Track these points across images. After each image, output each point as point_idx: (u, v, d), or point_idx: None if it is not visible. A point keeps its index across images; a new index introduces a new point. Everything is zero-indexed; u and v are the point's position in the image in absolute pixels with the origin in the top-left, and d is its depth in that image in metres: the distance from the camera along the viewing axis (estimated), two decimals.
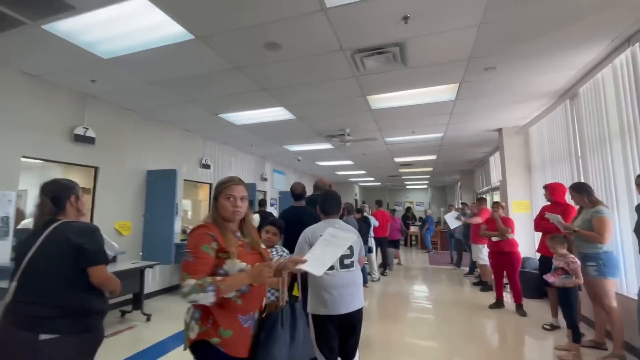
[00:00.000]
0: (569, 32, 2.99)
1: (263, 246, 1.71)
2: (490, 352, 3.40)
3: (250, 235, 1.66)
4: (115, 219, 4.89)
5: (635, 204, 3.07)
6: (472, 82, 4.04)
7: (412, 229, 12.89)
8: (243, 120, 5.58)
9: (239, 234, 1.64)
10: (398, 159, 9.67)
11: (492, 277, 5.05)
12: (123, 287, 1.92)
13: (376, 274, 6.65)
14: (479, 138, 7.00)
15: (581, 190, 3.32)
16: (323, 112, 5.18)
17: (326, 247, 1.68)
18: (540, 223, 3.98)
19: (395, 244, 8.54)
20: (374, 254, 6.55)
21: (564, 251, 3.19)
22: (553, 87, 4.25)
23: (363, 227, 5.37)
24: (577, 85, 4.05)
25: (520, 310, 4.50)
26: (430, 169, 11.77)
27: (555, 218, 3.45)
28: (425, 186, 19.53)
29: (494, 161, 8.68)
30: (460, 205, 8.31)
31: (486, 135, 6.72)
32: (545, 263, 3.83)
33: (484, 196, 9.77)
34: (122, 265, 4.28)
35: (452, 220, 7.84)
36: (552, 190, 3.98)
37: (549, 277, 3.20)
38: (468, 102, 4.76)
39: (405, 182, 17.62)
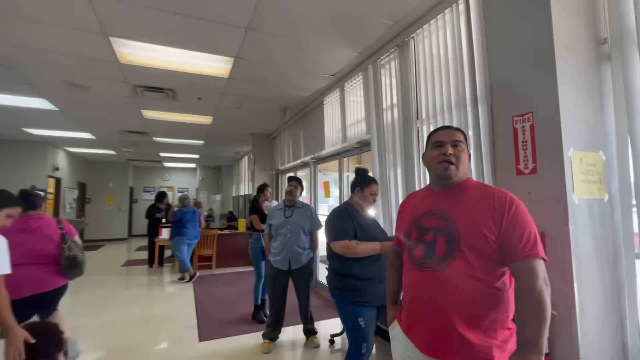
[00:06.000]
0: None
1: None
2: None
3: None
4: None
5: None
6: None
7: (164, 233, 6.86)
8: None
9: None
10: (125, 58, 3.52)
11: None
12: None
13: None
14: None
15: None
16: None
17: None
18: None
19: (42, 303, 2.52)
20: None
21: None
22: None
23: None
24: None
25: None
26: (209, 120, 6.21)
27: None
28: (194, 165, 13.67)
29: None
30: (288, 186, 3.28)
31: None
32: None
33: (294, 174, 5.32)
34: None
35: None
36: None
37: None
38: None
39: (162, 155, 11.09)
